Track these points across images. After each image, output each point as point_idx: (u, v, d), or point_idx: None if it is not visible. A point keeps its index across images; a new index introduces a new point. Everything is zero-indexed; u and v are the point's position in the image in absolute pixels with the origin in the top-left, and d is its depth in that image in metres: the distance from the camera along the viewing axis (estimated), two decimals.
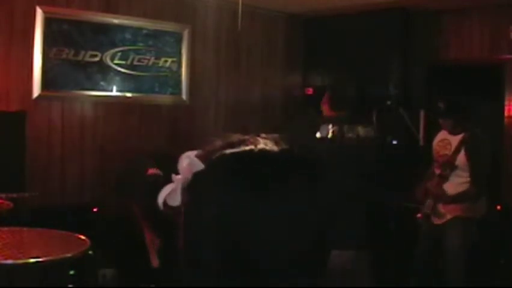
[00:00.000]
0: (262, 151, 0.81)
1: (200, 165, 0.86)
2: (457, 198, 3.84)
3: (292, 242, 0.77)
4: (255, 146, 0.81)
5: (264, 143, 0.82)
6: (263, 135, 0.84)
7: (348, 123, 3.55)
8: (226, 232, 0.77)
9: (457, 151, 3.85)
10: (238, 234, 0.77)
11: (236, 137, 0.84)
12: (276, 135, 0.85)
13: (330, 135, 3.42)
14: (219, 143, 0.84)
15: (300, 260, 0.78)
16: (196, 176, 0.83)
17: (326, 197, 0.81)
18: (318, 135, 3.42)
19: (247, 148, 0.81)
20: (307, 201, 0.79)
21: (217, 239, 0.78)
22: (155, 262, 3.87)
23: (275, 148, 0.81)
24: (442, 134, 4.07)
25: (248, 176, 0.79)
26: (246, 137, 0.84)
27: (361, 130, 3.68)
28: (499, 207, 4.61)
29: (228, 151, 0.82)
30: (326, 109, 3.56)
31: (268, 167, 0.79)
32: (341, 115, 3.49)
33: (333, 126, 3.42)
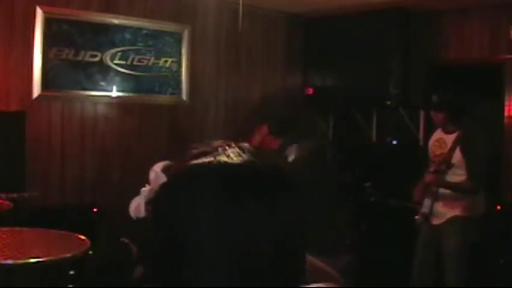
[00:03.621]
0: (220, 164, 0.79)
1: (164, 179, 0.87)
2: (456, 186, 3.83)
3: (242, 258, 0.75)
4: (215, 157, 0.80)
5: (228, 155, 0.80)
6: (233, 144, 0.83)
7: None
8: (172, 245, 0.77)
9: (452, 149, 3.86)
10: (187, 248, 0.76)
11: (209, 145, 0.83)
12: (246, 145, 0.84)
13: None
14: (188, 153, 0.83)
15: (252, 276, 0.76)
16: (158, 189, 0.83)
17: (288, 212, 0.79)
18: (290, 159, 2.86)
19: (206, 160, 0.80)
20: (260, 216, 0.76)
21: (164, 253, 0.79)
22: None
23: (237, 160, 0.80)
24: (437, 134, 4.08)
25: (201, 189, 0.78)
26: (217, 143, 0.83)
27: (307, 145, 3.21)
28: (499, 207, 4.61)
29: (187, 164, 0.81)
30: (269, 141, 2.93)
31: (223, 180, 0.78)
32: (287, 140, 2.94)
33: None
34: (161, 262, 0.80)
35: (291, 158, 2.88)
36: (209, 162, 0.80)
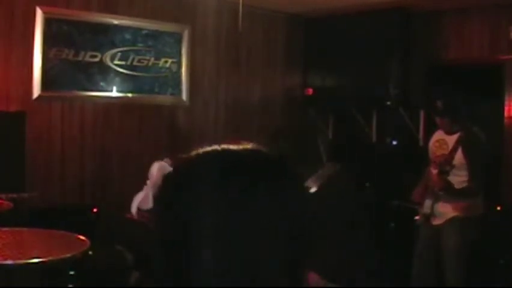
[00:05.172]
0: (224, 150, 0.81)
1: (169, 169, 0.87)
2: (461, 192, 3.83)
3: (247, 246, 0.75)
4: (219, 145, 0.82)
5: (231, 144, 0.82)
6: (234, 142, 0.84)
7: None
8: (180, 233, 0.77)
9: (454, 150, 3.85)
10: (191, 237, 0.76)
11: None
12: (250, 144, 0.84)
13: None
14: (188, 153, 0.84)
15: (257, 268, 0.76)
16: (163, 178, 0.84)
17: (294, 200, 0.80)
18: None
19: (210, 149, 0.81)
20: (266, 202, 0.77)
21: (173, 241, 0.78)
22: None
23: (241, 147, 0.81)
24: (438, 134, 4.08)
25: (207, 175, 0.78)
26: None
27: None
28: (499, 207, 4.61)
29: (192, 153, 0.82)
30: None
31: (228, 165, 0.79)
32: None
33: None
34: (167, 254, 0.80)
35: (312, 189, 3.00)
36: (213, 150, 0.81)
